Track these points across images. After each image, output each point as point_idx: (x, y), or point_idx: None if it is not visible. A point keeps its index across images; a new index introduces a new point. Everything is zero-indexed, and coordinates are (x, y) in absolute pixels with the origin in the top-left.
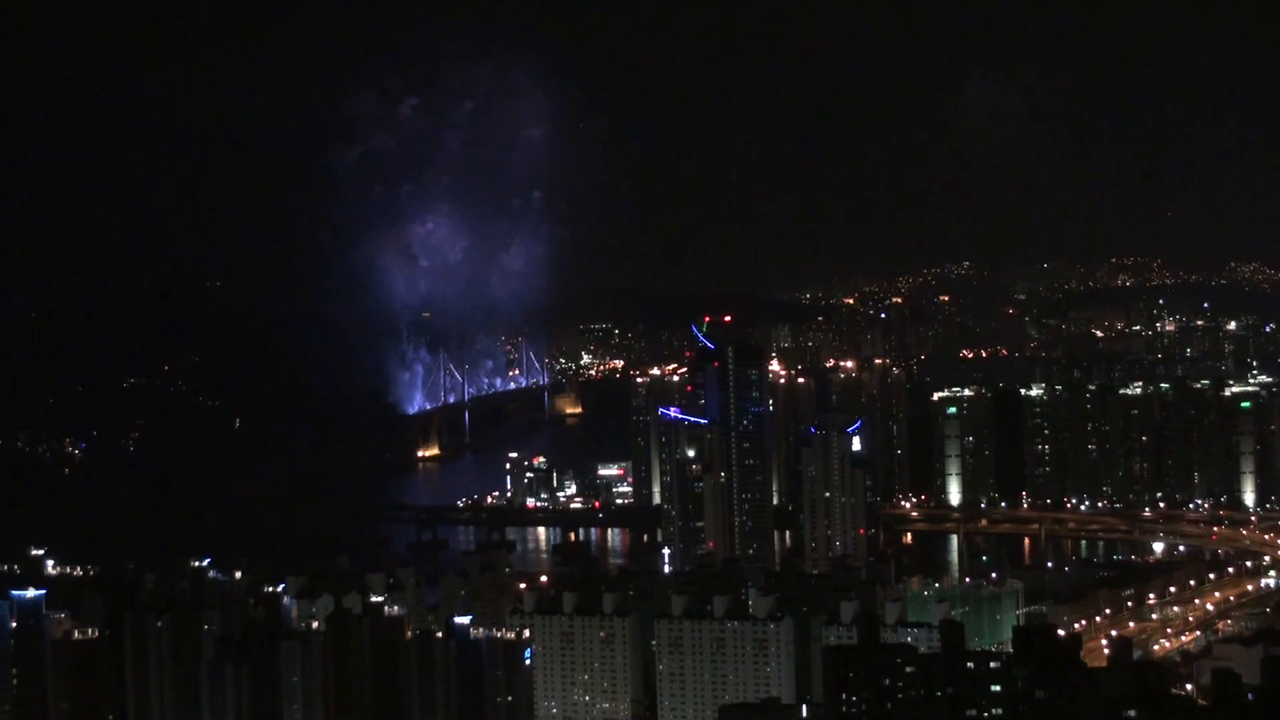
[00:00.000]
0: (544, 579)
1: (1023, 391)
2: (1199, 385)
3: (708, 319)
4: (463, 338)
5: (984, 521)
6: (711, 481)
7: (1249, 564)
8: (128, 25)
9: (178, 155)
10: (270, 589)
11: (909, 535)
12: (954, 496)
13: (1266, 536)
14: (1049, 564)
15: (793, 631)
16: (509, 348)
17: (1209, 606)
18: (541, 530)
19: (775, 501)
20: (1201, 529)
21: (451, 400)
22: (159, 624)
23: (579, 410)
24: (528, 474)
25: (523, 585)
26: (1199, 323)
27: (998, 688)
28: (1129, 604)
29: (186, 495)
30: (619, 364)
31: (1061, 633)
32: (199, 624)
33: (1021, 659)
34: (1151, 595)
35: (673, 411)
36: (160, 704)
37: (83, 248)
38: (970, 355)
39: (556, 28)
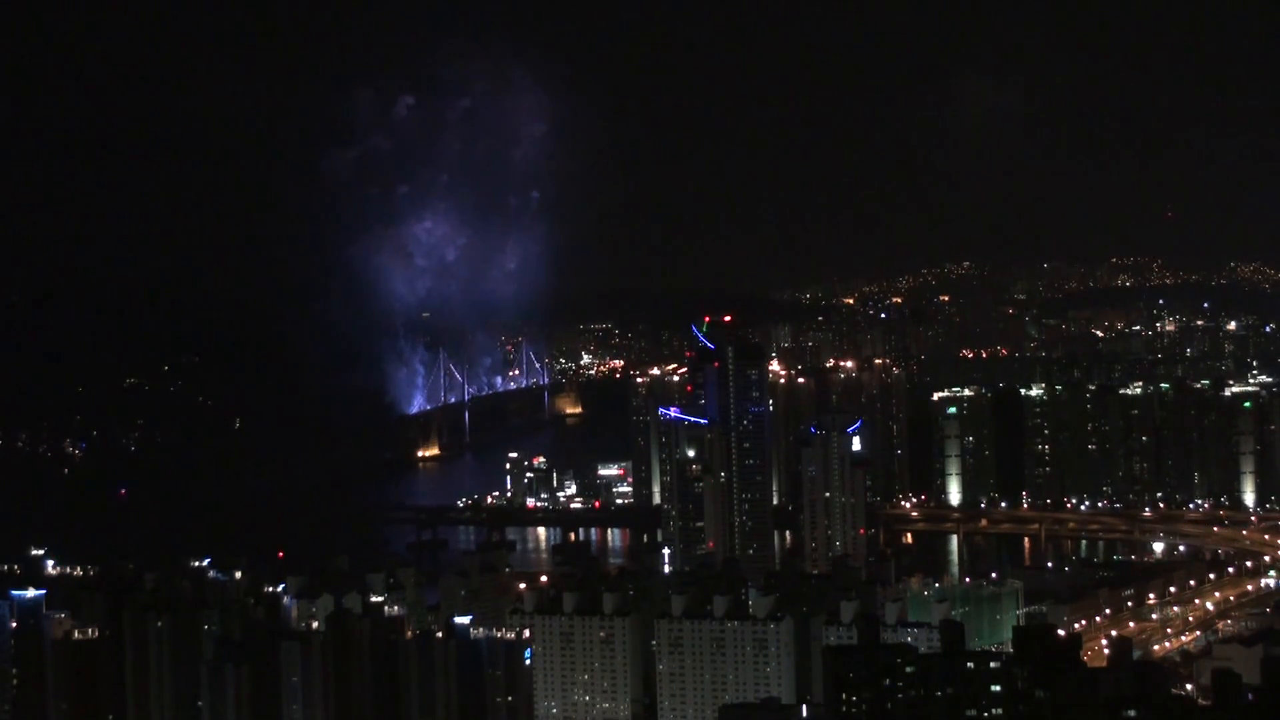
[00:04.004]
0: (544, 579)
1: (1023, 391)
2: (1199, 385)
3: (708, 319)
4: (462, 338)
5: (984, 521)
6: (711, 481)
7: (1249, 564)
8: (127, 26)
9: (177, 155)
10: (270, 589)
11: (909, 535)
12: (954, 496)
13: (1266, 536)
14: (1049, 564)
15: (793, 631)
16: (509, 348)
17: (1209, 606)
18: (541, 530)
19: (775, 501)
20: (1202, 529)
21: (451, 400)
22: (159, 624)
23: (579, 410)
24: (528, 474)
25: (523, 585)
26: (1199, 323)
27: (998, 688)
28: (1129, 604)
29: (186, 495)
30: (619, 364)
31: (1061, 633)
32: (199, 624)
33: (1021, 659)
34: (1151, 595)
35: (673, 411)
36: (160, 704)
37: (83, 248)
38: (970, 355)
39: (556, 26)
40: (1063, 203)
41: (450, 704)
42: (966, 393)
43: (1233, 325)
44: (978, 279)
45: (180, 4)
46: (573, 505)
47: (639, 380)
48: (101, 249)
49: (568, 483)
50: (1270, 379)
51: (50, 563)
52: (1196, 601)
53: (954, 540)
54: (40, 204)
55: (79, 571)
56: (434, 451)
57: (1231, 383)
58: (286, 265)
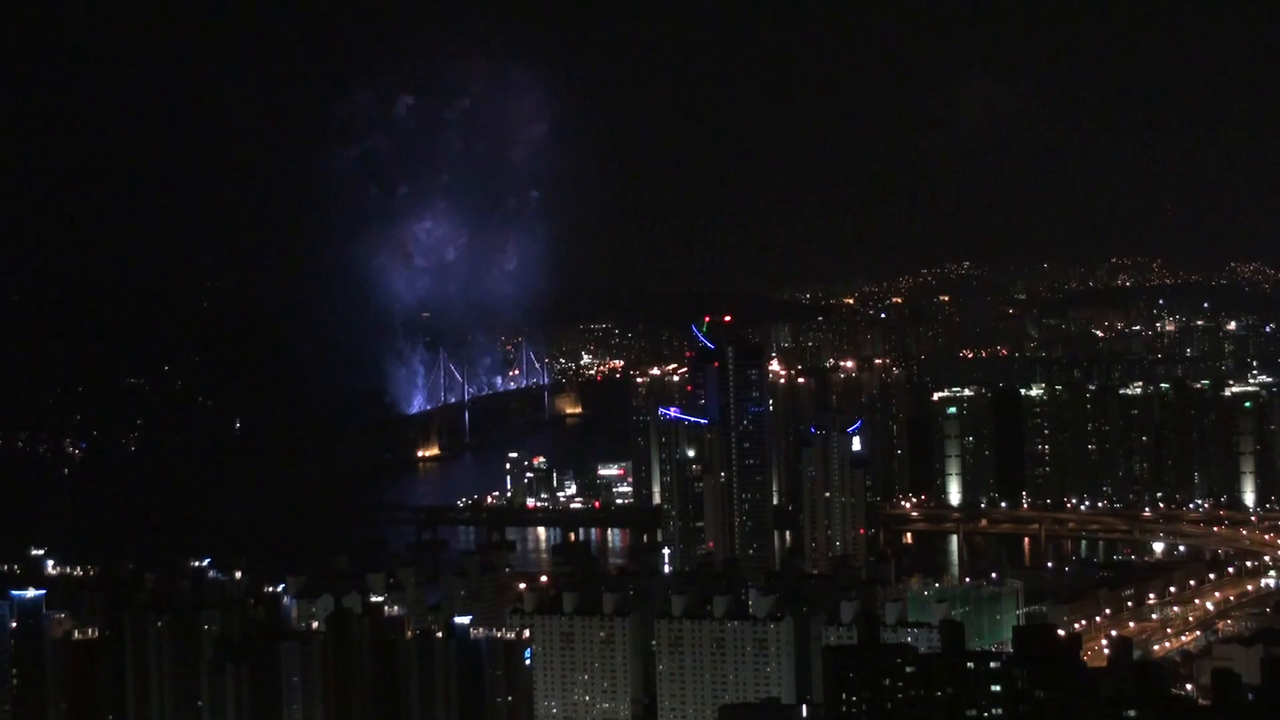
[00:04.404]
0: (544, 579)
1: (1023, 391)
2: (1199, 385)
3: (708, 319)
4: (462, 338)
5: (984, 521)
6: (711, 481)
7: (1249, 564)
8: (126, 25)
9: (176, 155)
10: (270, 589)
11: (909, 535)
12: (954, 496)
13: (1266, 536)
14: (1049, 564)
15: (793, 631)
16: (509, 348)
17: (1209, 606)
18: (541, 530)
19: (775, 501)
20: (1202, 529)
21: (451, 400)
22: (159, 624)
23: (579, 410)
24: (528, 474)
25: (523, 585)
26: (1199, 323)
27: (998, 688)
28: (1129, 604)
29: (186, 495)
30: (619, 364)
31: (1061, 633)
32: (199, 624)
33: (1021, 659)
34: (1151, 595)
35: (673, 411)
36: (160, 704)
37: (83, 248)
38: (970, 355)
39: (555, 26)
40: (1063, 203)
41: (450, 704)
42: (966, 393)
43: (1233, 325)
44: (978, 279)
45: (181, 4)
46: (573, 505)
47: (639, 380)
48: (102, 249)
49: (568, 483)
50: (1270, 379)
51: (50, 563)
52: (1196, 601)
53: (954, 540)
54: (41, 204)
55: (79, 571)
56: (434, 451)
57: (1231, 383)
58: (287, 265)
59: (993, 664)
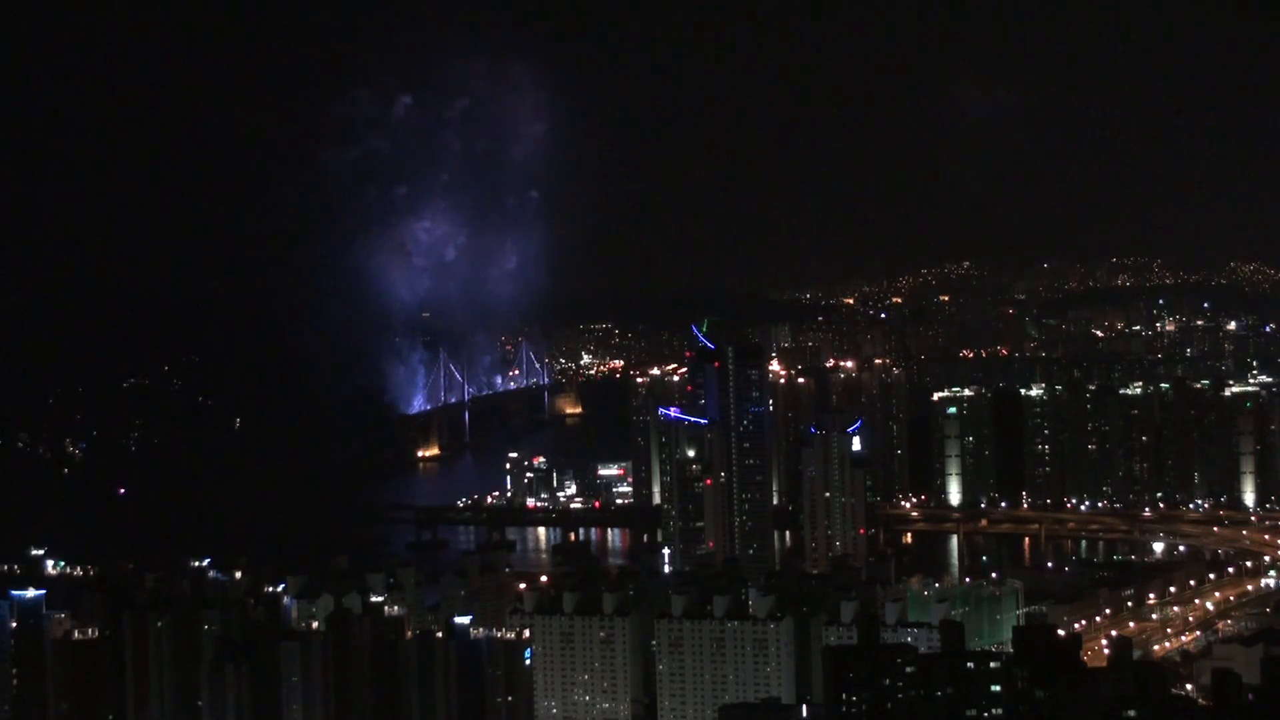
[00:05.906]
0: (544, 579)
1: (1023, 391)
2: (1199, 385)
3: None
4: (462, 337)
5: (984, 521)
6: (711, 481)
7: (1249, 564)
8: (126, 27)
9: (176, 155)
10: (270, 589)
11: (909, 535)
12: (954, 496)
13: (1266, 536)
14: (1049, 564)
15: (793, 631)
16: (508, 347)
17: (1209, 606)
18: (541, 530)
19: (775, 501)
20: (1201, 529)
21: (451, 400)
22: (159, 624)
23: (579, 410)
24: (528, 474)
25: (523, 585)
26: (1199, 323)
27: (998, 688)
28: (1129, 604)
29: (186, 495)
30: (619, 364)
31: (1061, 633)
32: (199, 624)
33: (1021, 659)
34: (1151, 595)
35: (673, 411)
36: (160, 704)
37: (83, 249)
38: (970, 355)
39: (556, 26)
40: (1063, 203)
41: (450, 704)
42: (966, 393)
43: (1233, 325)
44: (978, 279)
45: (180, 4)
46: (573, 505)
47: (639, 380)
48: (101, 249)
49: (568, 483)
50: (1270, 379)
51: (50, 563)
52: (1196, 601)
53: (954, 540)
54: (40, 204)
55: (79, 571)
56: (434, 451)
57: (1231, 383)
58: (286, 265)
59: (993, 664)
